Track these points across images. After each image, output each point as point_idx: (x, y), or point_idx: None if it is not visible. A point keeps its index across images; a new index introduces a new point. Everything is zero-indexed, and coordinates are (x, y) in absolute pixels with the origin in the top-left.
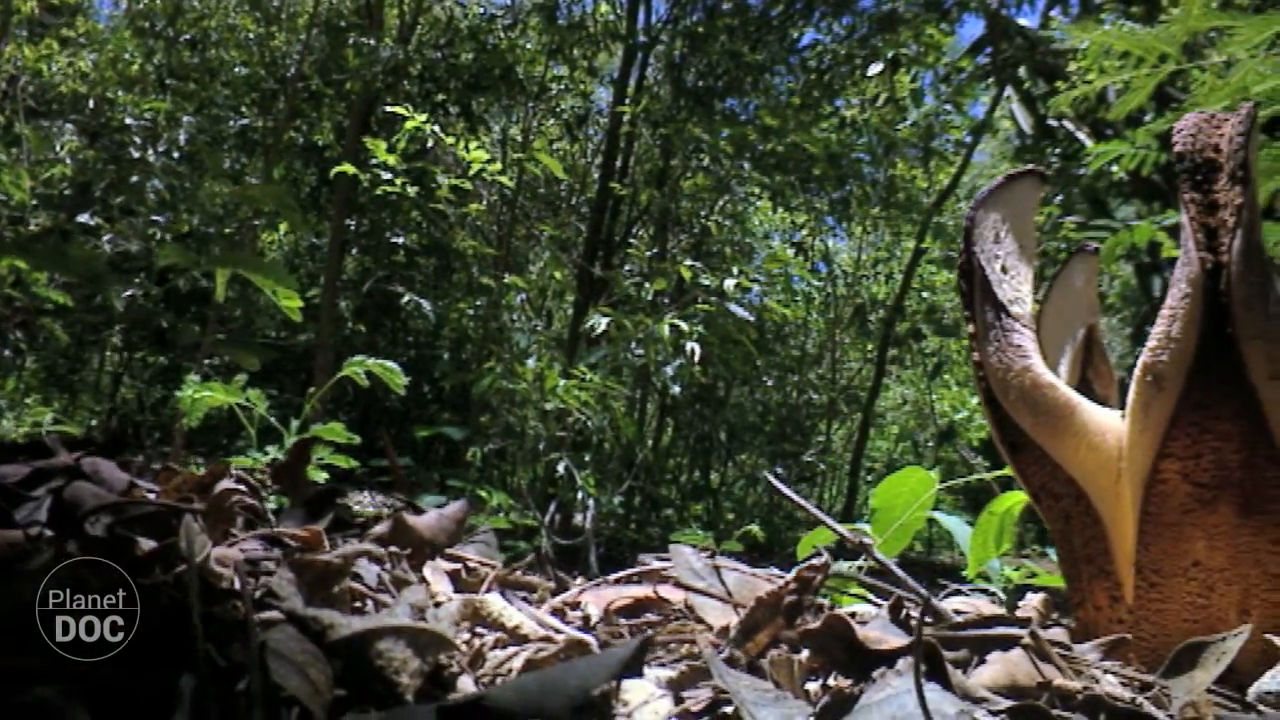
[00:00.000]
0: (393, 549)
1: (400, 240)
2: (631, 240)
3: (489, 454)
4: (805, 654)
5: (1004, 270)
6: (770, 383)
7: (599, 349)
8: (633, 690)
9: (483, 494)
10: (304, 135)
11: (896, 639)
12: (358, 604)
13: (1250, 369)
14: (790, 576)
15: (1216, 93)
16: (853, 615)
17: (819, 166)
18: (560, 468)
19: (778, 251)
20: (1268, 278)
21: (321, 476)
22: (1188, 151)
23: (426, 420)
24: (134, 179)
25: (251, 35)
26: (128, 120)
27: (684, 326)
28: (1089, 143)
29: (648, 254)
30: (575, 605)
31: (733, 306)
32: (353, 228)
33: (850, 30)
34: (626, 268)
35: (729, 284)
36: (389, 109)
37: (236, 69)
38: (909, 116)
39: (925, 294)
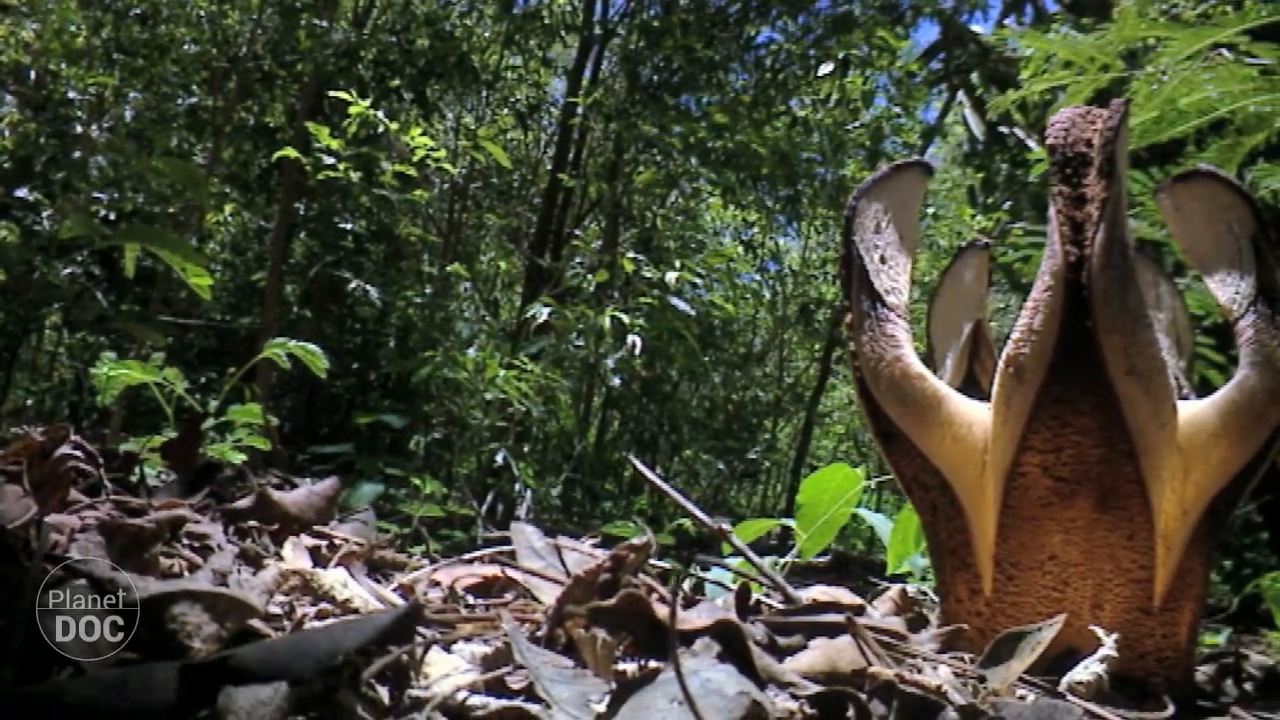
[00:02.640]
0: (253, 523)
1: (349, 226)
2: (577, 233)
3: (431, 443)
4: (618, 633)
5: (883, 260)
6: (718, 379)
7: (542, 339)
8: (437, 663)
9: (417, 482)
10: (255, 116)
11: (703, 620)
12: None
13: (1109, 363)
14: (606, 555)
15: (1148, 103)
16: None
17: (767, 165)
18: (499, 458)
19: (723, 248)
20: (1129, 273)
21: (239, 458)
22: (1059, 145)
23: (371, 408)
24: (76, 155)
25: (203, 12)
26: (71, 94)
27: (625, 319)
28: (1038, 149)
29: (593, 245)
30: (437, 584)
31: (675, 300)
32: (302, 212)
33: (805, 30)
34: (578, 259)
35: (670, 277)
36: (335, 94)
37: (187, 46)
38: (861, 118)
39: None
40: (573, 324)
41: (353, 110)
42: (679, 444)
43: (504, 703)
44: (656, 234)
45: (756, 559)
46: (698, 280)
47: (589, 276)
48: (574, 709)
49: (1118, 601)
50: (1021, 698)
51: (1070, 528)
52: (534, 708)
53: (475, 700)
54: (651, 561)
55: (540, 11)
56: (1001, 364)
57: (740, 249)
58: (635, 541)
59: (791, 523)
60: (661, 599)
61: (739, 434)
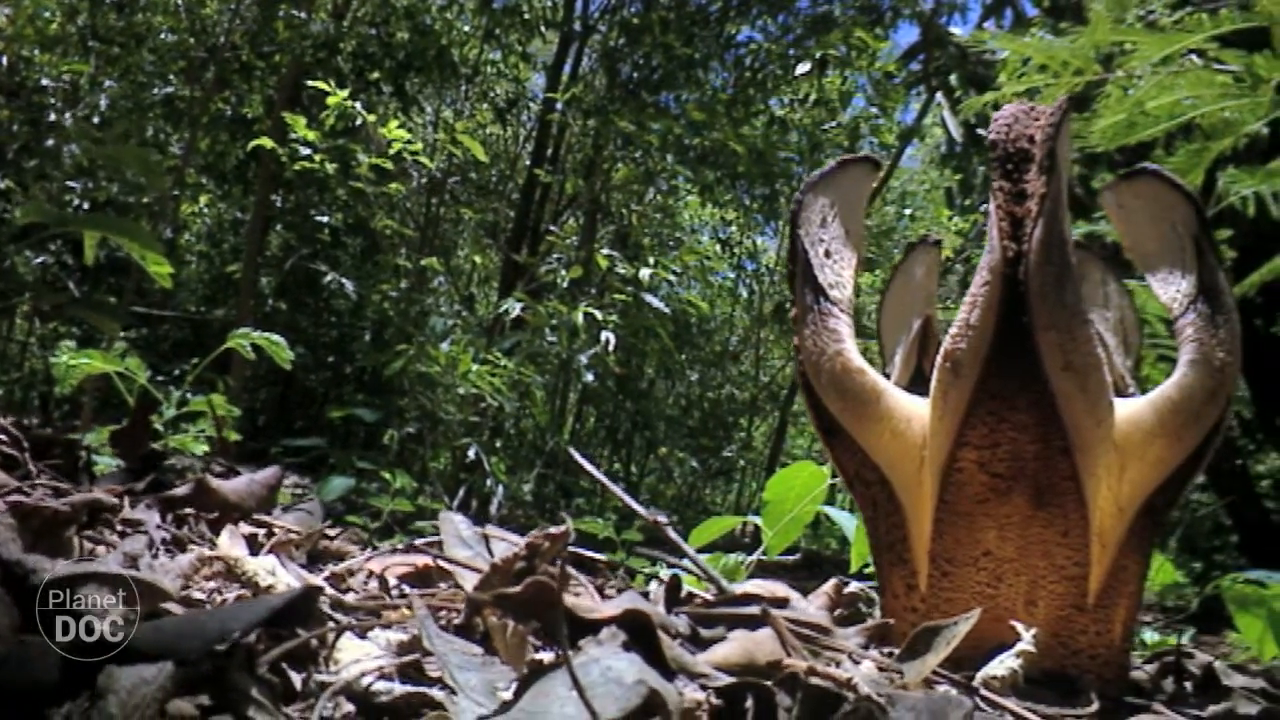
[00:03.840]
0: (189, 510)
1: (326, 219)
2: (552, 229)
3: (405, 437)
4: (526, 620)
5: (827, 255)
6: (694, 377)
7: (515, 335)
8: (349, 649)
9: (387, 476)
10: (232, 107)
11: (611, 609)
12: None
13: (1045, 359)
14: (522, 543)
15: (1117, 106)
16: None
17: (744, 164)
18: (471, 453)
19: (695, 245)
20: (1067, 269)
21: (202, 448)
22: (1001, 140)
23: (345, 402)
24: (50, 143)
25: (180, 1)
26: (45, 81)
27: (599, 315)
28: None
29: (568, 241)
30: (377, 574)
31: (649, 297)
32: (278, 204)
33: (785, 30)
34: (555, 255)
35: (644, 274)
36: (312, 84)
37: (164, 35)
38: (839, 118)
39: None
40: (546, 319)
41: (330, 101)
42: (654, 441)
43: (408, 688)
44: (634, 231)
45: (691, 552)
46: (672, 278)
47: (563, 272)
48: (480, 696)
49: (1051, 598)
50: (945, 692)
51: (1005, 524)
52: (439, 694)
53: (380, 685)
54: (611, 556)
55: (520, 7)
56: (939, 359)
57: (717, 247)
58: (553, 530)
59: (758, 520)
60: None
61: (714, 432)
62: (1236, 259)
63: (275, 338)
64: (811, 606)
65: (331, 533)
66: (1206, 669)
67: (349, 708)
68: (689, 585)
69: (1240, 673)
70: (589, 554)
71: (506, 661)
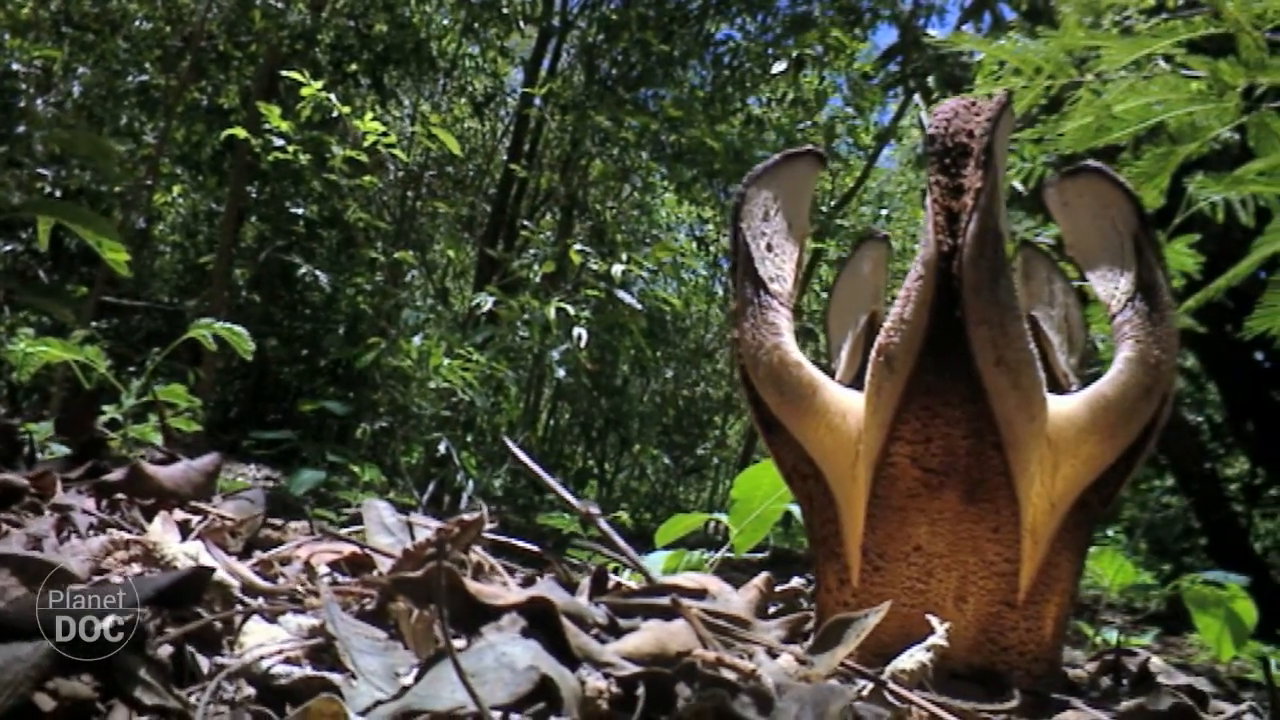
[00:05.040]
0: (119, 495)
1: (300, 211)
2: (526, 224)
3: (377, 431)
4: (426, 605)
5: (769, 248)
6: (669, 374)
7: (487, 329)
8: (254, 632)
9: (355, 469)
10: (208, 97)
11: (515, 596)
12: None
13: (977, 355)
14: (434, 529)
15: (1086, 109)
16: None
17: (720, 161)
18: (442, 447)
19: (668, 242)
20: (1001, 264)
21: (158, 439)
22: (940, 135)
23: (317, 395)
24: (20, 129)
25: None
26: (16, 66)
27: (570, 310)
28: None
29: (543, 236)
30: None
31: (622, 294)
32: (254, 195)
33: (764, 29)
34: (531, 250)
35: (616, 269)
36: (288, 74)
37: (139, 23)
38: (816, 118)
39: (825, 295)
40: (517, 314)
41: (304, 92)
42: (628, 438)
43: (308, 672)
44: (610, 227)
45: (622, 543)
46: (645, 274)
47: (536, 267)
48: (380, 680)
49: (981, 594)
50: (830, 683)
51: (937, 519)
52: (339, 678)
53: (281, 669)
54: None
55: (499, 1)
56: (874, 353)
57: (694, 244)
58: (466, 518)
59: (724, 517)
60: (488, 574)
61: (688, 429)
62: (1205, 264)
63: (237, 328)
64: (741, 600)
65: (277, 521)
66: (1141, 666)
67: (250, 690)
68: (630, 578)
69: (1186, 671)
70: (520, 543)
71: (411, 646)
